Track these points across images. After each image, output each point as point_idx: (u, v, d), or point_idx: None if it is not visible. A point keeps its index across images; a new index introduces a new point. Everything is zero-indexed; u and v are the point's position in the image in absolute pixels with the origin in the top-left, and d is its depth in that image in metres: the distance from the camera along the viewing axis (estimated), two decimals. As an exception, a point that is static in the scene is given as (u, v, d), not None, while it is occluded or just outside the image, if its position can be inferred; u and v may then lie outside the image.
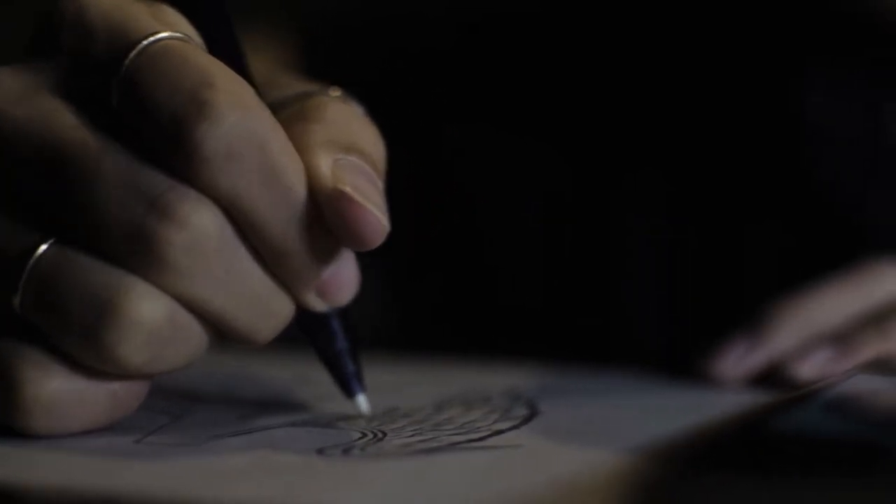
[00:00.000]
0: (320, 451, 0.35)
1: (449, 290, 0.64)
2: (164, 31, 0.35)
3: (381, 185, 0.36)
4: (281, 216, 0.35)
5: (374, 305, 0.61)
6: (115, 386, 0.35)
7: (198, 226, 0.34)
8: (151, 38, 0.34)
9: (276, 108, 0.36)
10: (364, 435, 0.37)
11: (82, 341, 0.34)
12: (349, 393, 0.39)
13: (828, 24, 0.58)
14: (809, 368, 0.43)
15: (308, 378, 0.42)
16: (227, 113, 0.33)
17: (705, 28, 0.61)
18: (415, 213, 0.61)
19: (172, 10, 0.36)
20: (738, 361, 0.44)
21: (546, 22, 0.64)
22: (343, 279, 0.37)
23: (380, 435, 0.37)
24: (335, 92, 0.38)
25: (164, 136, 0.34)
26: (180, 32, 0.35)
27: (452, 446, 0.35)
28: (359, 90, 0.59)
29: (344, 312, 0.38)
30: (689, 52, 0.61)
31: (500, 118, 0.63)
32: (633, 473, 0.28)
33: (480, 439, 0.36)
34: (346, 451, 0.35)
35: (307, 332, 0.38)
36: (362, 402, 0.39)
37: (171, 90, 0.34)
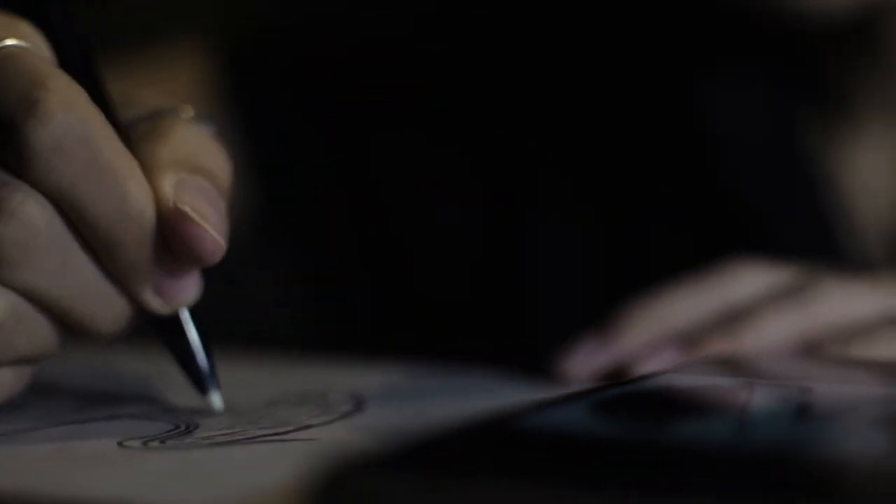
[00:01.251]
0: (120, 443, 0.36)
1: (368, 291, 0.65)
2: (10, 40, 0.37)
3: (223, 205, 0.38)
4: (108, 212, 0.36)
5: (293, 307, 0.62)
6: None
7: (27, 217, 0.36)
8: None
9: (130, 125, 0.38)
10: (176, 427, 0.38)
11: None
12: (201, 390, 0.40)
13: (736, 25, 0.59)
14: (653, 368, 0.43)
15: (161, 371, 0.43)
16: (55, 111, 0.35)
17: (616, 28, 0.62)
18: (334, 218, 0.63)
19: (28, 25, 0.38)
20: (585, 360, 0.44)
21: (456, 24, 0.65)
22: (181, 282, 0.38)
23: (191, 427, 0.38)
24: (186, 112, 0.40)
25: None
26: (29, 43, 0.37)
27: (250, 439, 0.37)
28: (276, 97, 0.60)
29: (193, 309, 0.39)
30: (598, 52, 0.62)
31: (418, 124, 0.64)
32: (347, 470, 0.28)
33: (284, 433, 0.37)
34: (146, 442, 0.36)
35: (156, 329, 0.39)
36: (215, 398, 0.40)
37: (5, 91, 0.36)
